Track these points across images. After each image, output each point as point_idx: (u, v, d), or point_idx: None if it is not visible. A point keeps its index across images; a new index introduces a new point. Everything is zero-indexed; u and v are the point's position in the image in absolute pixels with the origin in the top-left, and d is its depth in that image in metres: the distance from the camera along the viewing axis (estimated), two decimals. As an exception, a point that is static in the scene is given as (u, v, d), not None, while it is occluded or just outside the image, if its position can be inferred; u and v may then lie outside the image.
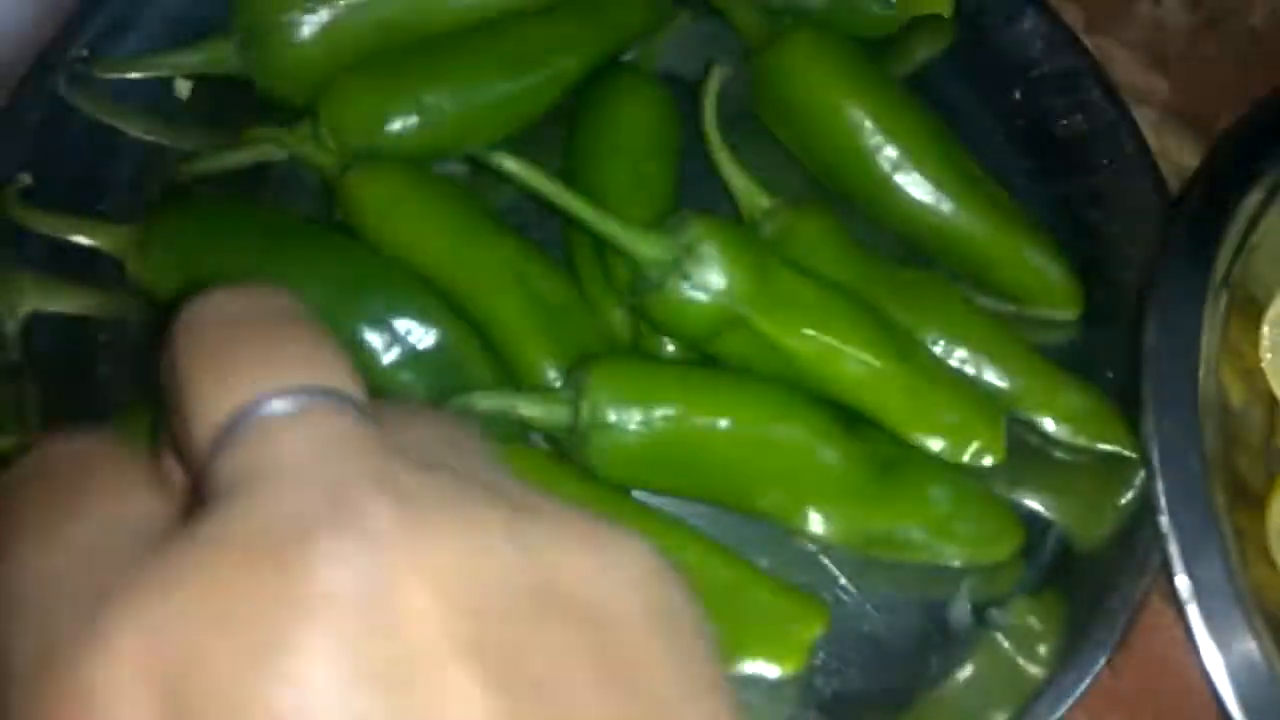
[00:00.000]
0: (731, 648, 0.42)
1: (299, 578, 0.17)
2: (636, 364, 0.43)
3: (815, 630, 0.43)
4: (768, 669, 0.42)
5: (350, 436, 0.20)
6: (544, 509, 0.20)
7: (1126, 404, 0.46)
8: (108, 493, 0.21)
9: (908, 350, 0.45)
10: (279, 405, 0.20)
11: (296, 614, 0.17)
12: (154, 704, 0.17)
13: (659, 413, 0.42)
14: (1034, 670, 0.44)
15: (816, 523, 0.44)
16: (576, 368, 0.43)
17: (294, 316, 0.22)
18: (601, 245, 0.46)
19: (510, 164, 0.42)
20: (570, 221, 0.47)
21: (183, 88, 0.52)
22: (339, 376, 0.21)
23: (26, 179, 0.47)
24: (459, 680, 0.17)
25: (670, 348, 0.46)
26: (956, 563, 0.45)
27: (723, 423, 0.42)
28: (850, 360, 0.43)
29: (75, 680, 0.17)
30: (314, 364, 0.21)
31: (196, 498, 0.20)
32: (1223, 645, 0.41)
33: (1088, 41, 0.55)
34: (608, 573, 0.20)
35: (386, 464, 0.19)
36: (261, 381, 0.20)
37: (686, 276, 0.42)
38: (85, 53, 0.50)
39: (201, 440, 0.20)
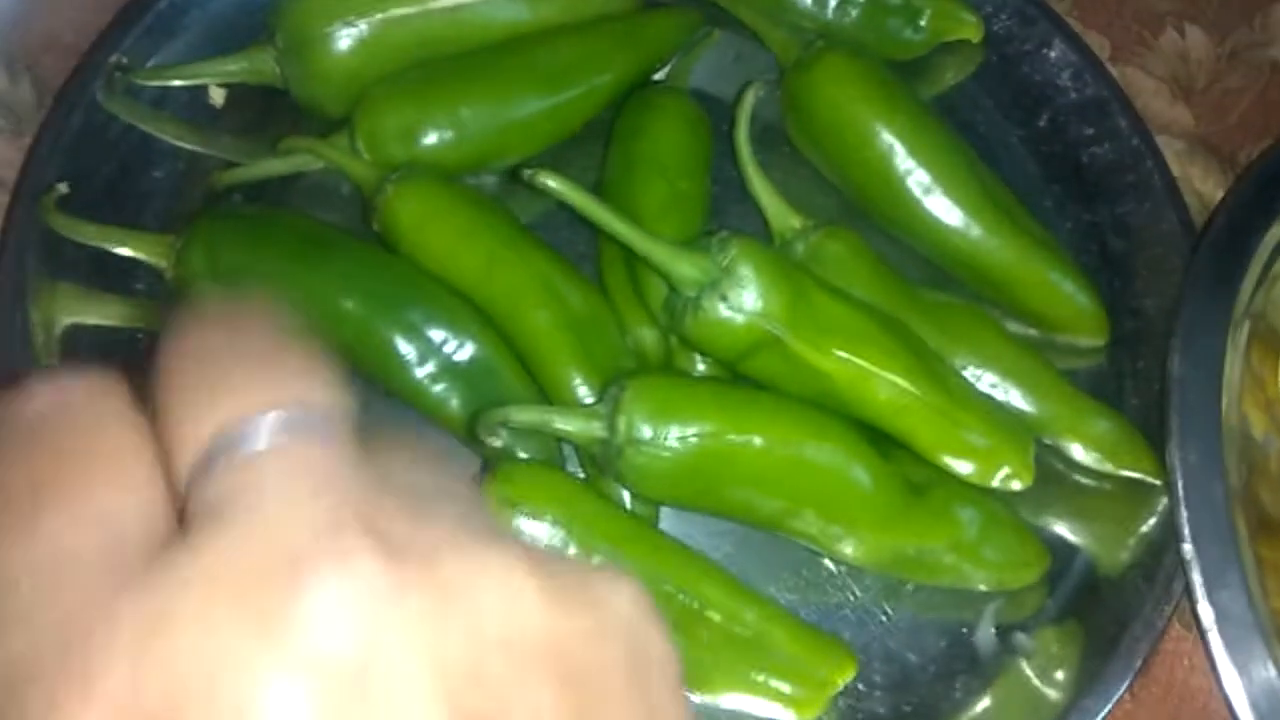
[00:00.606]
0: (751, 689, 0.42)
1: (286, 630, 0.17)
2: (672, 382, 0.43)
3: (840, 679, 0.43)
4: (784, 714, 0.42)
5: (333, 471, 0.19)
6: (529, 562, 0.20)
7: (1150, 430, 0.47)
8: (100, 473, 0.20)
9: (938, 374, 0.45)
10: (259, 430, 0.19)
11: (282, 670, 0.17)
12: None
13: (693, 430, 0.41)
14: (1056, 696, 0.44)
15: (847, 544, 0.44)
16: (612, 384, 0.43)
17: (277, 332, 0.21)
18: (633, 261, 0.46)
19: (551, 181, 0.41)
20: (603, 237, 0.48)
21: (217, 96, 0.52)
22: (321, 392, 0.20)
23: (63, 188, 0.47)
24: None
25: (702, 366, 0.46)
26: (983, 586, 0.45)
27: (756, 441, 0.42)
28: (882, 383, 0.43)
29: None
30: (295, 383, 0.20)
31: (182, 516, 0.20)
32: (1243, 672, 0.42)
33: (1113, 71, 0.55)
34: (595, 629, 0.20)
35: (373, 508, 0.19)
36: (241, 404, 0.19)
37: (723, 297, 0.42)
38: (123, 60, 0.50)
39: (182, 462, 0.19)
